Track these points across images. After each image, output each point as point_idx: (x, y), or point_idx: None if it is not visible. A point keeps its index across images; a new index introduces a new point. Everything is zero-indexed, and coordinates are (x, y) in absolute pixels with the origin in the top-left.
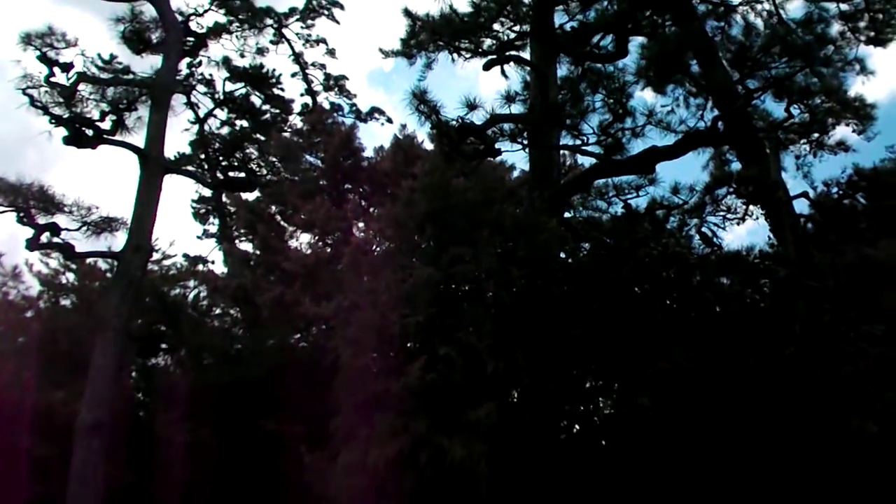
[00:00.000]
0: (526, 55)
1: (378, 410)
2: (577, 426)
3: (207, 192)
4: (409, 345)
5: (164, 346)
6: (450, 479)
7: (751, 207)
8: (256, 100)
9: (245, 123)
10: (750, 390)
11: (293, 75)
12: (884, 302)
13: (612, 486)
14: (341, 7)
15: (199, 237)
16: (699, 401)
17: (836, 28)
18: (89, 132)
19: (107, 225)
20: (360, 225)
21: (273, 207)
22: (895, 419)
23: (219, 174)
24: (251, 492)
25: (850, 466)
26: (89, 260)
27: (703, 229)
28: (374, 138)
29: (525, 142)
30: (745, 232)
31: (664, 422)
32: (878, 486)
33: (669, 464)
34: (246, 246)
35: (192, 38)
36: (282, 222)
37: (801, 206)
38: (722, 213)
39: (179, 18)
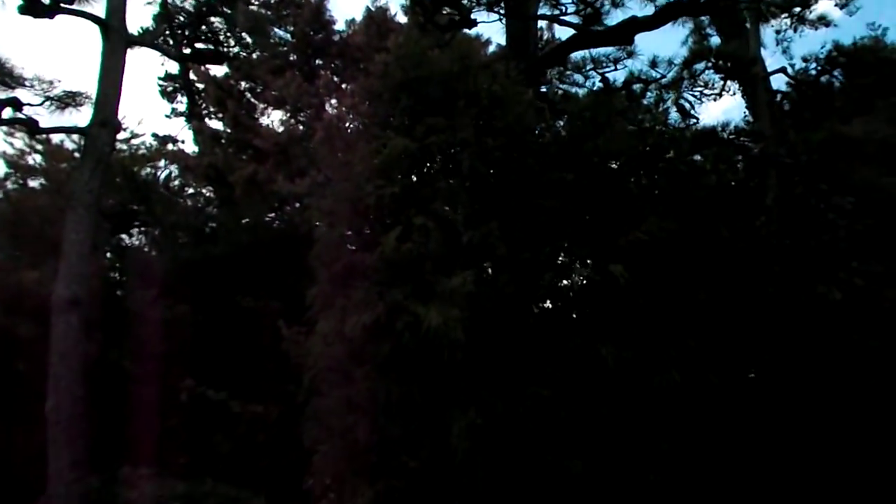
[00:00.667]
0: None
1: (354, 281)
2: (548, 301)
3: (174, 69)
4: (384, 216)
5: (136, 224)
6: (426, 346)
7: (728, 83)
8: None
9: None
10: (721, 260)
11: None
12: (854, 177)
13: (584, 354)
14: None
15: (167, 116)
16: (671, 270)
17: None
18: (46, 0)
19: (71, 99)
20: (333, 101)
21: (243, 84)
22: (858, 286)
23: (185, 49)
24: (230, 365)
25: (814, 330)
26: (56, 139)
27: (680, 102)
28: (345, 11)
29: (502, 11)
30: (721, 110)
31: (636, 290)
32: (840, 348)
33: (640, 330)
34: (216, 124)
35: None
36: (252, 99)
37: (779, 83)
38: (699, 89)
39: None
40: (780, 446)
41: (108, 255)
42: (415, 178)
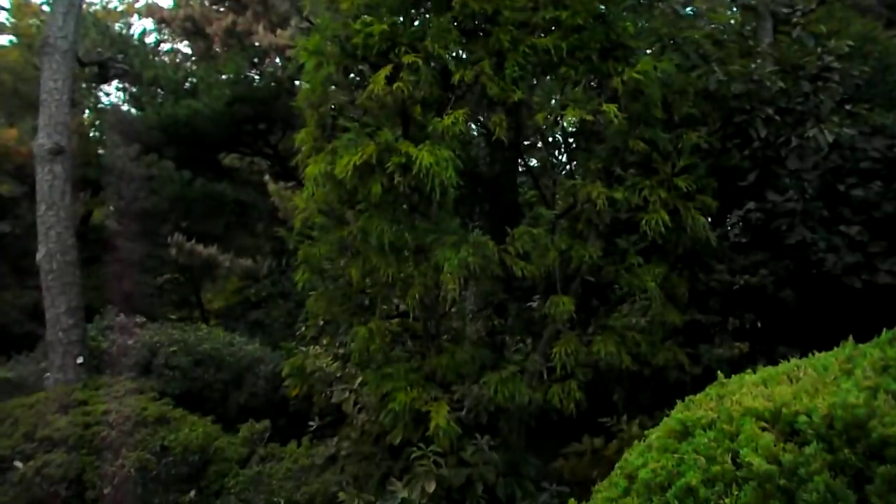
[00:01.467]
0: None
1: (344, 121)
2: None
3: None
4: (372, 55)
5: (115, 77)
6: (418, 186)
7: None
8: None
9: None
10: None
11: None
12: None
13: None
14: None
15: None
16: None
17: None
18: None
19: None
20: None
21: None
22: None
23: None
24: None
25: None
26: None
27: None
28: None
29: None
30: None
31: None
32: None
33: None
34: None
35: None
36: None
37: None
38: None
39: None
40: None
41: (88, 112)
42: (404, 16)
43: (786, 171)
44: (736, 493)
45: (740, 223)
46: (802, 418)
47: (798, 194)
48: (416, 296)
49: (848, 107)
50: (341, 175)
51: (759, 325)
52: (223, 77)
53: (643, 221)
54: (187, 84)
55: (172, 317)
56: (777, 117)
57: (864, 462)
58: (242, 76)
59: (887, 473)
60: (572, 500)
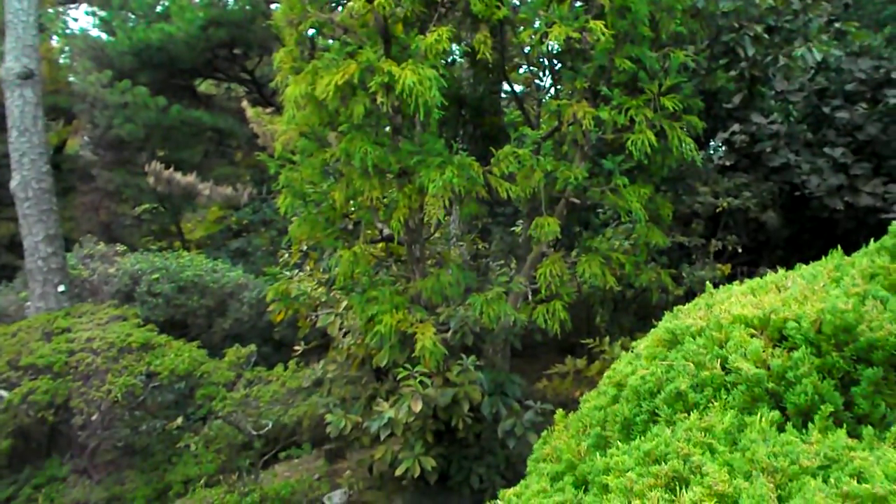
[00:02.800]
0: None
1: (324, 40)
2: (526, 64)
3: None
4: None
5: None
6: (400, 107)
7: None
8: None
9: None
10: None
11: None
12: None
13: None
14: None
15: None
16: (652, 29)
17: None
18: None
19: None
20: None
21: None
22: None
23: None
24: (194, 146)
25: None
26: None
27: None
28: None
29: None
30: None
31: (614, 51)
32: None
33: (617, 88)
34: None
35: None
36: None
37: None
38: None
39: None
40: None
41: (56, 38)
42: None
43: (772, 92)
44: (725, 397)
45: (724, 145)
46: (791, 324)
47: (783, 116)
48: (401, 219)
49: (837, 25)
50: (322, 96)
51: (741, 247)
52: (196, 0)
53: (629, 142)
54: (159, 7)
55: (153, 247)
56: (766, 35)
57: (851, 365)
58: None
59: (874, 376)
60: (560, 410)
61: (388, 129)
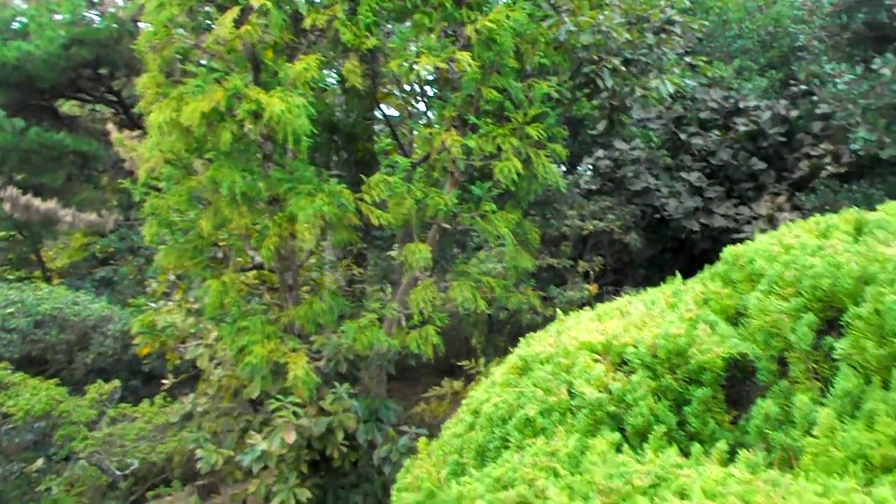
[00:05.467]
0: None
1: (190, 66)
2: (396, 90)
3: None
4: None
5: None
6: (270, 134)
7: None
8: None
9: None
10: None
11: None
12: None
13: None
14: None
15: None
16: (517, 59)
17: None
18: None
19: None
20: None
21: None
22: None
23: None
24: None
25: None
26: None
27: None
28: None
29: None
30: None
31: (482, 80)
32: None
33: (485, 116)
34: None
35: None
36: None
37: None
38: None
39: None
40: None
41: None
42: None
43: (633, 119)
44: (571, 420)
45: (590, 170)
46: (630, 349)
47: (644, 143)
48: (271, 247)
49: (688, 59)
50: (188, 123)
51: (607, 267)
52: (58, 17)
53: (497, 169)
54: (16, 24)
55: (10, 277)
56: (623, 68)
57: (683, 386)
58: (80, 16)
59: (704, 395)
60: (423, 439)
61: (258, 155)
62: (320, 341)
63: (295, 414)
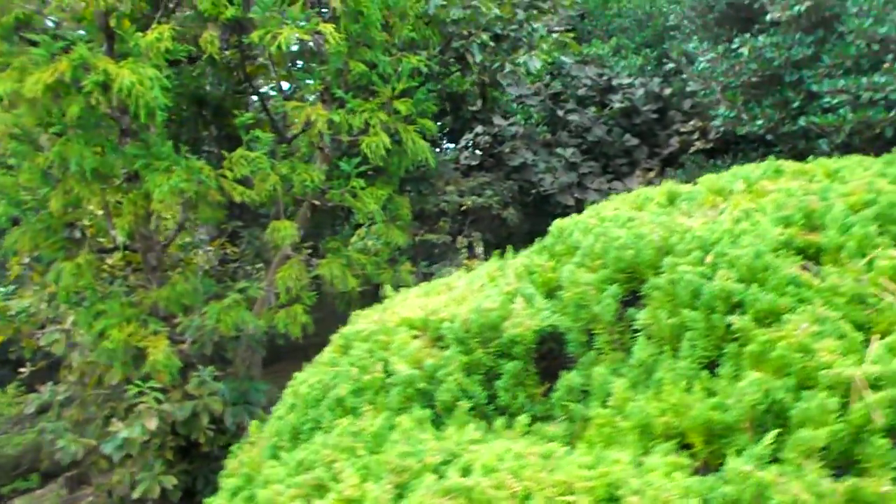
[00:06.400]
0: None
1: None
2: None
3: None
4: None
5: None
6: (121, 107)
7: None
8: None
9: None
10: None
11: None
12: None
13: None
14: None
15: None
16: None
17: None
18: None
19: None
20: None
21: None
22: None
23: None
24: None
25: None
26: None
27: None
28: None
29: None
30: None
31: (348, 53)
32: None
33: (348, 90)
34: None
35: None
36: None
37: None
38: None
39: None
40: None
41: None
42: None
43: (511, 96)
44: (383, 399)
45: (470, 146)
46: (446, 324)
47: (524, 119)
48: (127, 226)
49: (555, 35)
50: (31, 94)
51: (486, 242)
52: None
53: (364, 144)
54: None
55: None
56: (492, 43)
57: (494, 361)
58: None
59: (514, 369)
60: (254, 422)
61: (115, 129)
62: (184, 323)
63: (158, 399)
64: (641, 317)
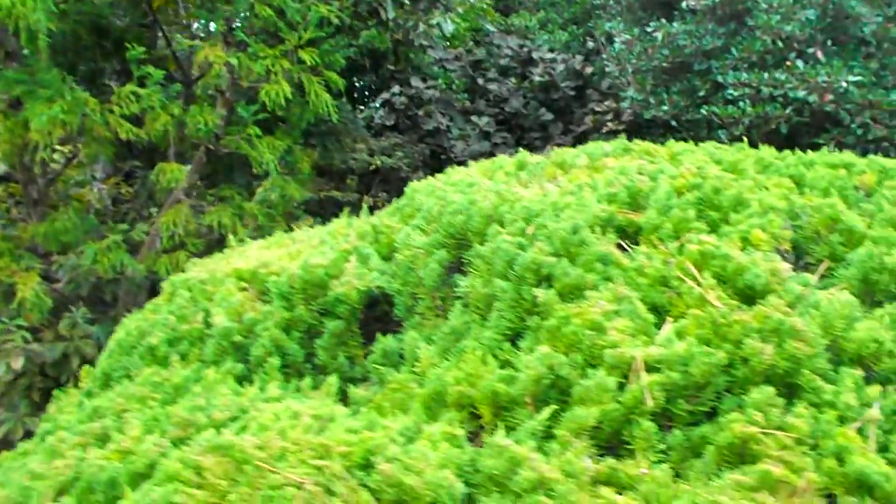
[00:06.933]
0: None
1: None
2: None
3: None
4: None
5: None
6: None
7: None
8: None
9: None
10: None
11: None
12: None
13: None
14: None
15: None
16: None
17: None
18: None
19: None
20: None
21: None
22: None
23: None
24: None
25: None
26: None
27: None
28: None
29: None
30: None
31: None
32: None
33: None
34: None
35: None
36: None
37: None
38: None
39: None
40: None
41: None
42: None
43: (433, 59)
44: (199, 350)
45: (385, 106)
46: (273, 278)
47: (445, 83)
48: (2, 155)
49: (473, 1)
50: None
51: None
52: None
53: (263, 91)
54: None
55: None
56: (407, 1)
57: (318, 319)
58: None
59: (336, 328)
60: (86, 367)
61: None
62: (60, 261)
63: (26, 339)
64: (463, 284)
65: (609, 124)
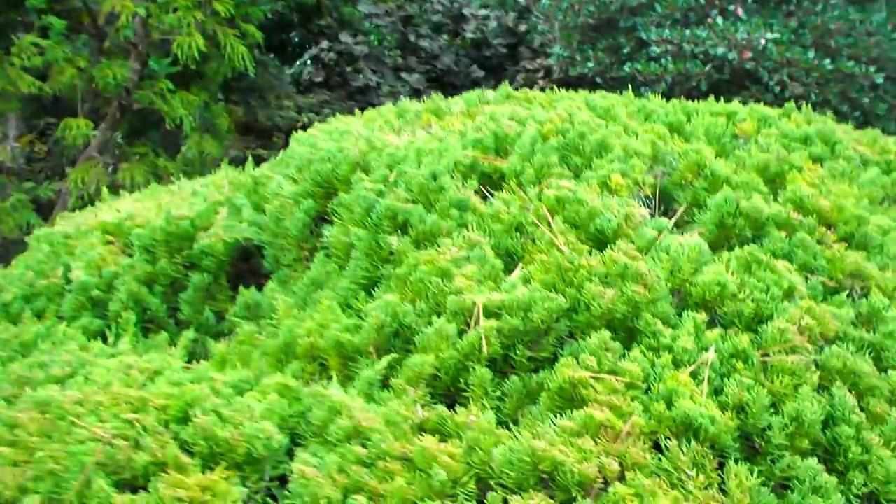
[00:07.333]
0: None
1: None
2: None
3: None
4: None
5: None
6: None
7: None
8: None
9: None
10: None
11: None
12: None
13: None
14: None
15: None
16: None
17: None
18: None
19: None
20: None
21: None
22: None
23: None
24: None
25: None
26: None
27: None
28: None
29: None
30: None
31: None
32: None
33: None
34: None
35: None
36: None
37: None
38: None
39: None
40: None
41: None
42: None
43: (362, 14)
44: (57, 306)
45: (314, 61)
46: (137, 231)
47: (377, 39)
48: None
49: None
50: None
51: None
52: None
53: (175, 44)
54: None
55: None
56: None
57: (182, 272)
58: None
59: (200, 282)
60: None
61: None
62: None
63: None
64: (329, 233)
65: (540, 82)
